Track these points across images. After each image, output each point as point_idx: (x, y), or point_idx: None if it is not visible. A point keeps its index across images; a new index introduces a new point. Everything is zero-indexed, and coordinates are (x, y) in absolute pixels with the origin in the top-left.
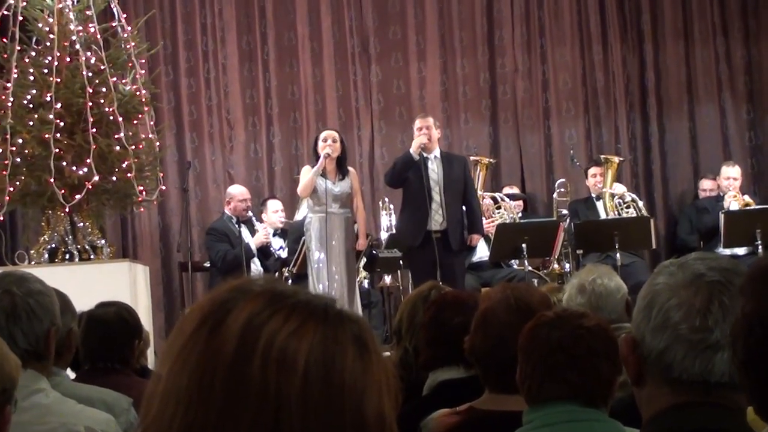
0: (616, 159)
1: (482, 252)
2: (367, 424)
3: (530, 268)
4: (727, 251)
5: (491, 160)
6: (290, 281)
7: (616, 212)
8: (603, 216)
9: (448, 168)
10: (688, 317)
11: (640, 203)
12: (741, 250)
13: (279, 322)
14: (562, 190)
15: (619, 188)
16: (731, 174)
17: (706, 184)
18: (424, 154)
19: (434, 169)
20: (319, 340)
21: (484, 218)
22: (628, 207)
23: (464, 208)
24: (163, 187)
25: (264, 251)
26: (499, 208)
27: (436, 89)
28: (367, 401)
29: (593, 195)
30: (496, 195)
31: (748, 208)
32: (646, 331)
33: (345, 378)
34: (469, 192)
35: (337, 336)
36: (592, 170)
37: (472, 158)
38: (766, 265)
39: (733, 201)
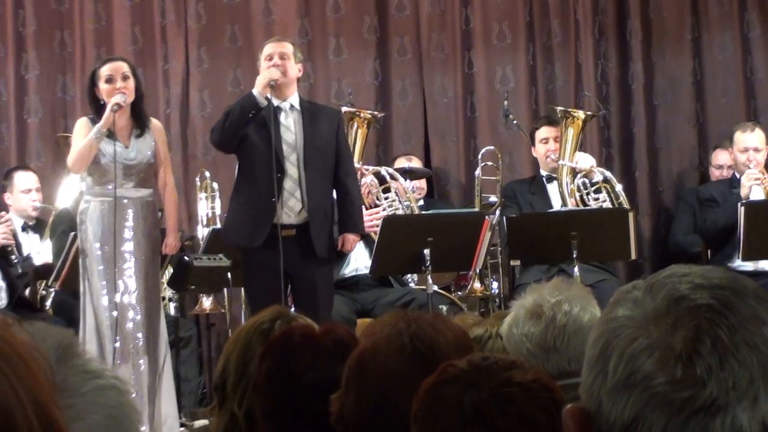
0: (582, 114)
1: (359, 261)
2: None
3: (437, 287)
4: (749, 265)
5: (377, 113)
6: (49, 302)
7: (578, 200)
8: (558, 207)
9: (311, 126)
10: (664, 366)
11: (618, 187)
12: None
13: None
14: (490, 163)
15: (585, 161)
16: (750, 143)
17: (722, 158)
18: (274, 101)
19: (290, 127)
20: None
21: (364, 207)
22: (597, 191)
23: (335, 190)
24: None
25: (3, 254)
26: (387, 191)
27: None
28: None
29: (543, 173)
30: (383, 170)
31: None
32: (602, 395)
33: None
34: (343, 165)
35: None
36: (542, 132)
37: (345, 110)
38: None
39: (756, 185)
